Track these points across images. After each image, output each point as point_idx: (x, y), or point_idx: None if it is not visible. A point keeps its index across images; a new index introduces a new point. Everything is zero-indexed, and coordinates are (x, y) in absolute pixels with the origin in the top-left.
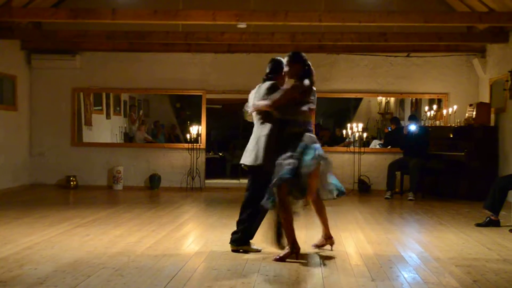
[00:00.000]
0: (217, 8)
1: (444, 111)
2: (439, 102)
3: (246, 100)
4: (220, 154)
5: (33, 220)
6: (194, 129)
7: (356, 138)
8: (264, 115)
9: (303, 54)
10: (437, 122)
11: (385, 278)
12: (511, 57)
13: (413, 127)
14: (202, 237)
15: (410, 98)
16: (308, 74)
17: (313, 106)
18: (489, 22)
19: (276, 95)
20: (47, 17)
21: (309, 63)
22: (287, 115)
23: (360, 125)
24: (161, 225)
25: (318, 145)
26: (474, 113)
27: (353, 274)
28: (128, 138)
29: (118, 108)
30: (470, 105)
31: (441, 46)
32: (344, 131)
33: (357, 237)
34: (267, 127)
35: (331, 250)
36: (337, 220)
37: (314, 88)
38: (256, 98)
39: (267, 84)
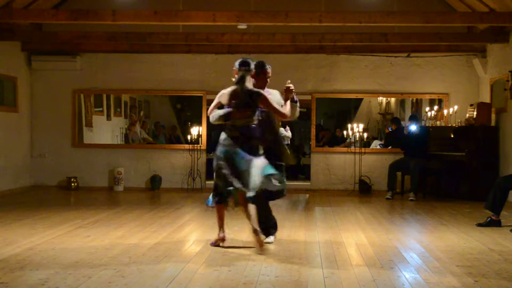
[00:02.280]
0: (218, 9)
1: (445, 111)
2: (440, 102)
3: None
4: None
5: (34, 221)
6: (194, 130)
7: (357, 139)
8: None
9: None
10: (438, 122)
11: (386, 278)
12: (511, 56)
13: (413, 127)
14: (203, 238)
15: (411, 99)
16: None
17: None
18: (489, 22)
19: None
20: (48, 19)
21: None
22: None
23: (361, 126)
24: (162, 226)
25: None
26: (475, 113)
27: (354, 274)
28: (129, 139)
29: (118, 109)
30: (471, 105)
31: (441, 46)
32: (344, 132)
33: (358, 238)
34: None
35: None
36: (338, 220)
37: None
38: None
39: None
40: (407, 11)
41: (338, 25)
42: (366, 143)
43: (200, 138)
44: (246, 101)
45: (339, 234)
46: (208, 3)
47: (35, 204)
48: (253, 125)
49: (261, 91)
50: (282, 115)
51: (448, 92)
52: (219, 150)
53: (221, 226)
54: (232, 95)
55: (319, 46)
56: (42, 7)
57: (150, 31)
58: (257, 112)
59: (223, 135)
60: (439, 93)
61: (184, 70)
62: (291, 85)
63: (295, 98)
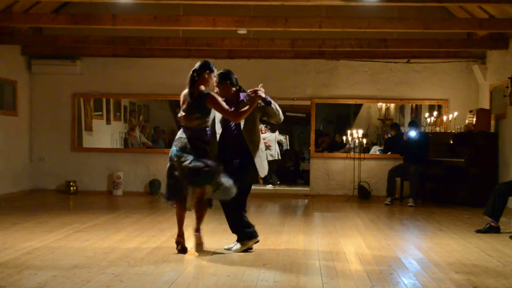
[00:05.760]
0: (217, 14)
1: (444, 117)
2: (439, 108)
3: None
4: None
5: (32, 225)
6: None
7: (356, 144)
8: None
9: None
10: (437, 128)
11: (385, 284)
12: (511, 63)
13: (413, 133)
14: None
15: (410, 104)
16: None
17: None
18: (489, 29)
19: None
20: (48, 23)
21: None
22: None
23: (360, 131)
24: (161, 230)
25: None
26: (474, 119)
27: (353, 280)
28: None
29: (118, 114)
30: (470, 111)
31: (441, 52)
32: (344, 137)
33: (357, 243)
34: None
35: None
36: (337, 225)
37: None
38: None
39: None
40: (406, 17)
41: (338, 31)
42: (365, 149)
43: None
44: (196, 104)
45: (338, 239)
46: (208, 8)
47: (34, 208)
48: (206, 128)
49: (209, 91)
50: (230, 116)
51: (447, 98)
52: (172, 150)
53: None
54: (184, 98)
55: (318, 52)
56: (42, 11)
57: (150, 36)
58: (211, 115)
59: (177, 135)
60: (439, 99)
61: (184, 74)
62: (259, 88)
63: (268, 98)
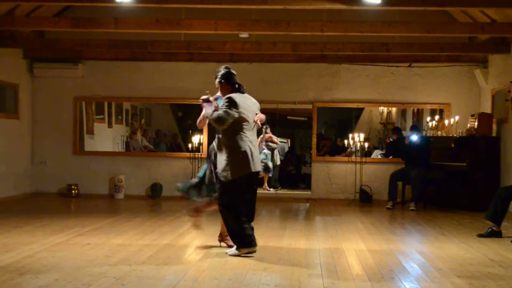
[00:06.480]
0: (219, 17)
1: (446, 121)
2: (441, 112)
3: None
4: None
5: (34, 229)
6: (195, 138)
7: (358, 148)
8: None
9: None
10: (439, 132)
11: None
12: None
13: (415, 137)
14: (204, 246)
15: (412, 108)
16: None
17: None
18: (491, 33)
19: None
20: (50, 26)
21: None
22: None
23: (362, 135)
24: (162, 234)
25: None
26: (476, 123)
27: (354, 284)
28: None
29: (120, 117)
30: (472, 115)
31: (443, 56)
32: (345, 141)
33: (358, 247)
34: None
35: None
36: (339, 229)
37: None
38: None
39: None
40: (408, 21)
41: (340, 35)
42: (367, 153)
43: (201, 146)
44: None
45: (340, 243)
46: (210, 12)
47: (36, 211)
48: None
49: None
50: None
51: (449, 102)
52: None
53: None
54: None
55: (320, 55)
56: (44, 15)
57: (152, 39)
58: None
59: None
60: (441, 103)
61: (186, 78)
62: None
63: (207, 109)
